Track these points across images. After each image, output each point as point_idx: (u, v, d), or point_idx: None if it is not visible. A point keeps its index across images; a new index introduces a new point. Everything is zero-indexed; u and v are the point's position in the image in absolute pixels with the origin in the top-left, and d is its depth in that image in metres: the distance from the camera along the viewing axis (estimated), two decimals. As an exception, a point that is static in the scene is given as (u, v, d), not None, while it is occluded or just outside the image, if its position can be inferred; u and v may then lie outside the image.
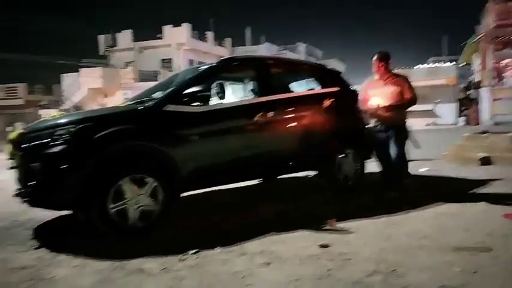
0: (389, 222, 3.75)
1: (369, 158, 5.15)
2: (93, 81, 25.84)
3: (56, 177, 3.36)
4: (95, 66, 27.66)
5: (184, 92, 3.90)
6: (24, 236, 3.81)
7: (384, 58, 4.52)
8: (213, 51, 31.49)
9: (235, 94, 5.12)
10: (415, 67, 27.84)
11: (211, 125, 4.01)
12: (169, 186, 3.72)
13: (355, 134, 5.02)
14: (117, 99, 23.04)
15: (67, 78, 27.88)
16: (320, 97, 4.83)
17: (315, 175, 5.47)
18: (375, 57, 4.52)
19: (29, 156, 3.48)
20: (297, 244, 3.24)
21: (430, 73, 25.89)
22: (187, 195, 4.21)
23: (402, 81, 4.50)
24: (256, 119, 4.20)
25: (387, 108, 4.42)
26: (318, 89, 5.07)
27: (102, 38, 31.83)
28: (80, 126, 3.43)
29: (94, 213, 3.40)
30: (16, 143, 3.78)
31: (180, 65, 28.03)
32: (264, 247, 3.20)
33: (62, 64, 28.29)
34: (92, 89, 26.20)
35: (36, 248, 3.42)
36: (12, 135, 3.87)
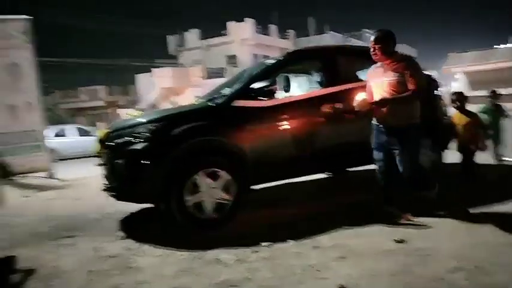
0: (471, 216, 3.53)
1: (447, 148, 4.86)
2: (165, 80, 27.13)
3: (138, 173, 3.62)
4: (166, 66, 29.03)
5: (251, 87, 3.97)
6: (112, 227, 4.14)
7: (380, 38, 3.54)
8: (277, 44, 31.50)
9: (302, 86, 5.09)
10: (494, 47, 25.56)
11: (278, 118, 4.04)
12: (241, 179, 3.82)
13: (431, 122, 4.75)
14: (187, 97, 23.98)
15: (141, 79, 29.56)
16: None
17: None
18: (371, 38, 3.63)
19: (114, 153, 3.78)
20: (371, 238, 3.17)
21: (514, 53, 23.58)
22: (259, 188, 4.28)
23: (405, 66, 3.47)
24: (324, 110, 4.15)
25: (380, 103, 3.51)
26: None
27: (171, 38, 33.28)
28: (158, 124, 3.66)
29: (173, 206, 3.61)
30: (102, 141, 4.11)
31: (245, 60, 28.42)
32: (337, 241, 3.17)
33: (137, 66, 30.16)
34: (164, 88, 27.52)
35: (123, 239, 3.71)
36: (100, 134, 4.20)
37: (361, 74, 5.25)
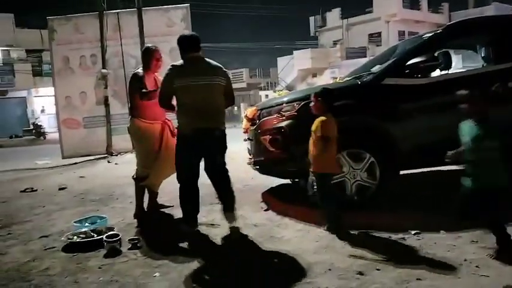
0: None
1: None
2: (303, 62, 27.39)
3: (283, 149, 3.71)
4: (307, 48, 29.21)
5: (404, 64, 3.68)
6: (255, 198, 4.38)
7: None
8: (427, 19, 28.77)
9: (464, 63, 4.52)
10: None
11: (434, 98, 3.67)
12: (387, 162, 3.61)
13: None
14: (325, 78, 23.82)
15: (282, 61, 30.41)
16: None
17: None
18: None
19: (260, 130, 3.95)
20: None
21: None
22: (408, 173, 4.01)
23: None
24: (492, 90, 3.61)
25: None
26: None
27: (312, 20, 33.25)
28: (303, 102, 3.66)
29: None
30: (250, 118, 4.33)
31: (390, 38, 26.73)
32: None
33: (280, 48, 31.12)
34: (301, 70, 27.84)
35: (266, 210, 3.89)
36: (247, 112, 4.45)
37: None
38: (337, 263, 2.56)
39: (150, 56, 3.75)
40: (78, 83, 9.23)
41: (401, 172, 3.81)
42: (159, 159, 3.69)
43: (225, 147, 3.38)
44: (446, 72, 3.83)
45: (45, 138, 20.72)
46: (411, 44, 4.10)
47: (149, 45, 3.88)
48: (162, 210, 4.05)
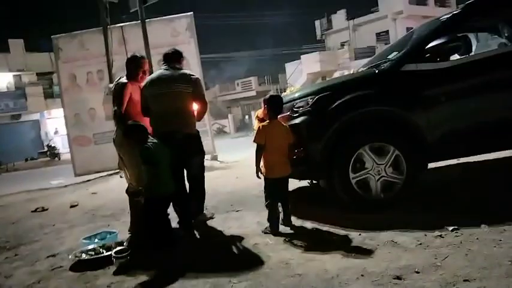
0: None
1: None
2: (312, 66, 27.12)
3: (297, 149, 3.44)
4: (314, 52, 28.98)
5: (424, 48, 3.40)
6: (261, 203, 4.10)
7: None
8: (435, 14, 28.27)
9: (487, 44, 4.22)
10: None
11: (461, 82, 3.39)
12: (413, 155, 3.33)
13: None
14: (335, 80, 23.46)
15: (290, 67, 30.20)
16: None
17: None
18: None
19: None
20: None
21: None
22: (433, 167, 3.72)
23: None
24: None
25: None
26: None
27: (318, 23, 33.06)
28: (317, 96, 3.41)
29: (336, 183, 3.36)
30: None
31: (398, 35, 26.36)
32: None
33: (287, 54, 30.93)
34: (310, 74, 27.57)
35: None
36: (258, 113, 4.26)
37: None
38: (369, 267, 2.29)
39: (136, 66, 3.57)
40: (86, 99, 9.13)
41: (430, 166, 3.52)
42: None
43: (196, 151, 3.61)
44: (469, 55, 3.55)
45: (59, 158, 20.82)
46: (428, 28, 3.82)
47: (136, 54, 3.72)
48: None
